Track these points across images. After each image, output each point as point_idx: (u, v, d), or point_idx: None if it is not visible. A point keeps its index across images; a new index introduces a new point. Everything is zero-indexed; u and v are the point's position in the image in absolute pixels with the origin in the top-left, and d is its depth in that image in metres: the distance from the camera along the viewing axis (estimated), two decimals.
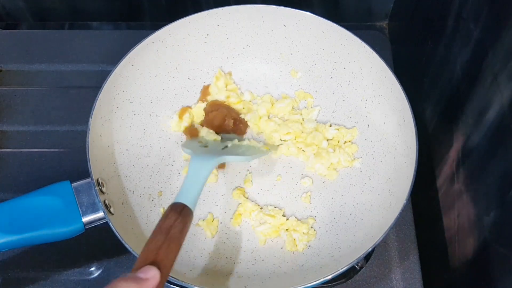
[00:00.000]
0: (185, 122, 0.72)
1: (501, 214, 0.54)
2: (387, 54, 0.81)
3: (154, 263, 0.45)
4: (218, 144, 0.69)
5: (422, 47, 0.76)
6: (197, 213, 0.67)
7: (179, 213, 0.51)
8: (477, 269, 0.59)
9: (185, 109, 0.73)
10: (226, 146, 0.68)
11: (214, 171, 0.69)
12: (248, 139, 0.71)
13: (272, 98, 0.75)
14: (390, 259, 0.66)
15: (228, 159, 0.65)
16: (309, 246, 0.65)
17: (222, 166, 0.71)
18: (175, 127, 0.72)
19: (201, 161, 0.61)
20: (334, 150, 0.70)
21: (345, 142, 0.71)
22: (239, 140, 0.70)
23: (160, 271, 0.45)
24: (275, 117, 0.74)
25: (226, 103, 0.74)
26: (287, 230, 0.66)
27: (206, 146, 0.68)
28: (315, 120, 0.73)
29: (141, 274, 0.44)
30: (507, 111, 0.52)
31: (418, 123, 0.62)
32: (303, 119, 0.73)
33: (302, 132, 0.72)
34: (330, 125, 0.72)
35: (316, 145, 0.70)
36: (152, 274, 0.44)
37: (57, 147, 0.75)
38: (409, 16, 0.83)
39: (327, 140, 0.71)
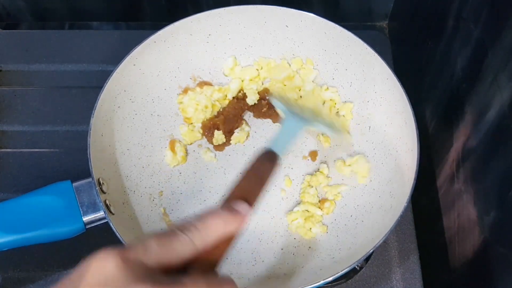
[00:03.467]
0: (180, 153, 0.71)
1: (501, 214, 0.54)
2: (387, 54, 0.80)
3: (244, 199, 0.47)
4: (308, 111, 0.69)
5: (422, 47, 0.76)
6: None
7: (272, 161, 0.53)
8: (477, 269, 0.59)
9: (173, 142, 0.72)
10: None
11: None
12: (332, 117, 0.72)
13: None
14: (390, 259, 0.66)
15: (318, 126, 0.65)
16: (309, 247, 0.65)
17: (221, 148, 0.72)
18: (173, 162, 0.71)
19: (296, 119, 0.61)
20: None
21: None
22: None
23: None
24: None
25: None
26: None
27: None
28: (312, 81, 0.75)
29: (235, 206, 0.45)
30: (507, 111, 0.52)
31: (418, 123, 0.62)
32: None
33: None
34: (327, 88, 0.74)
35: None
36: (245, 208, 0.46)
37: (57, 147, 0.75)
38: (409, 16, 0.83)
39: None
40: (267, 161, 0.52)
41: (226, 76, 0.76)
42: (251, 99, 0.73)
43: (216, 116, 0.74)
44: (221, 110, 0.74)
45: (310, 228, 0.65)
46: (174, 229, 0.41)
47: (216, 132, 0.72)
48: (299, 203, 0.68)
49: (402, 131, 0.65)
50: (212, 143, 0.72)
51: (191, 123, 0.73)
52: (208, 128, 0.73)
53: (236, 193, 0.48)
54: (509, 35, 0.51)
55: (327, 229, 0.66)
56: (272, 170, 0.52)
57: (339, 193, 0.68)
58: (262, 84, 0.76)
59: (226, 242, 0.44)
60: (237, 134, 0.72)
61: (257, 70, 0.75)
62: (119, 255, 0.37)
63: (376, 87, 0.69)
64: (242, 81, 0.75)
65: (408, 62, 0.81)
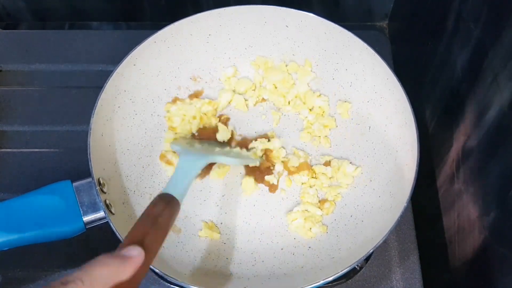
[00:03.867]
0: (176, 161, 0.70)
1: (501, 214, 0.54)
2: (387, 54, 0.81)
3: (139, 245, 0.45)
4: (209, 146, 0.69)
5: (422, 47, 0.76)
6: (196, 222, 0.67)
7: (167, 203, 0.52)
8: (477, 269, 0.59)
9: (163, 155, 0.71)
10: (216, 149, 0.69)
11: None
12: (239, 148, 0.71)
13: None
14: (390, 259, 0.66)
15: (218, 159, 0.66)
16: (309, 247, 0.65)
17: (206, 171, 0.70)
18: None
19: (192, 157, 0.61)
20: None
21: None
22: (230, 147, 0.71)
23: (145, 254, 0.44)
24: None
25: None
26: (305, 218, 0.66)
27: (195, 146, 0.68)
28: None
29: (125, 252, 0.43)
30: (507, 111, 0.52)
31: (418, 123, 0.62)
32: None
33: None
34: (319, 95, 0.74)
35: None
36: (136, 253, 0.43)
37: (57, 147, 0.75)
38: (409, 16, 0.83)
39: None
40: (163, 206, 0.51)
41: (220, 81, 0.76)
42: (222, 135, 0.72)
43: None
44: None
45: (310, 228, 0.65)
46: (56, 283, 0.39)
47: (219, 126, 0.72)
48: (299, 203, 0.68)
49: (402, 131, 0.65)
50: None
51: (176, 133, 0.72)
52: None
53: (129, 239, 0.46)
54: (509, 35, 0.51)
55: (327, 229, 0.66)
56: (170, 215, 0.51)
57: (338, 193, 0.68)
58: (258, 97, 0.75)
59: None
60: (216, 169, 0.70)
61: (253, 83, 0.75)
62: None
63: (376, 87, 0.69)
64: (234, 92, 0.75)
65: (408, 62, 0.81)
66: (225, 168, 0.70)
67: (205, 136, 0.72)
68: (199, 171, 0.61)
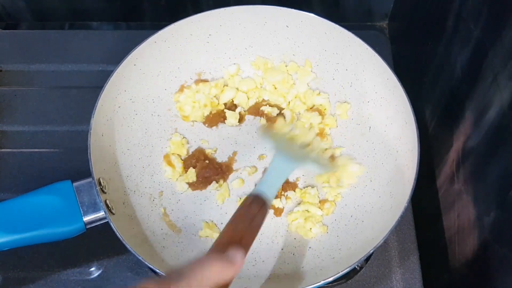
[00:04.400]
0: (178, 164, 0.70)
1: (501, 214, 0.54)
2: (387, 54, 0.81)
3: (237, 243, 0.46)
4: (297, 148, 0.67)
5: (422, 47, 0.76)
6: (196, 222, 0.67)
7: (261, 206, 0.53)
8: (477, 269, 0.59)
9: (167, 156, 0.71)
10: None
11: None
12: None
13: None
14: (390, 259, 0.66)
15: (308, 166, 0.66)
16: (310, 247, 0.65)
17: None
18: (174, 175, 0.70)
19: (286, 159, 0.61)
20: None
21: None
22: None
23: None
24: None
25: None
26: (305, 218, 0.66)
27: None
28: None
29: (232, 255, 0.44)
30: (507, 111, 0.52)
31: (418, 123, 0.62)
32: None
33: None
34: (319, 93, 0.74)
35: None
36: (240, 258, 0.44)
37: (57, 147, 0.75)
38: (409, 16, 0.83)
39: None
40: (257, 206, 0.52)
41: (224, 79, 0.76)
42: (230, 121, 0.72)
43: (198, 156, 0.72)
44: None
45: (311, 228, 0.65)
46: (174, 276, 0.41)
47: (190, 170, 0.70)
48: (299, 203, 0.68)
49: (402, 131, 0.65)
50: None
51: (189, 121, 0.73)
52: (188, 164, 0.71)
53: (227, 238, 0.47)
54: (509, 35, 0.51)
55: (327, 229, 0.66)
56: (263, 217, 0.52)
57: (339, 193, 0.68)
58: (258, 98, 0.75)
59: None
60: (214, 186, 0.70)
61: (255, 84, 0.75)
62: None
63: (377, 88, 0.69)
64: (237, 90, 0.75)
65: (408, 62, 0.82)
66: (226, 194, 0.69)
67: (214, 123, 0.73)
68: (289, 175, 0.60)
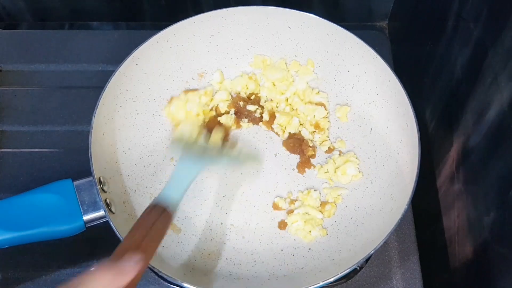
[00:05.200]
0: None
1: (501, 214, 0.54)
2: (387, 54, 0.81)
3: (136, 249, 0.46)
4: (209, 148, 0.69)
5: (422, 47, 0.76)
6: (196, 222, 0.68)
7: (161, 212, 0.53)
8: (477, 269, 0.59)
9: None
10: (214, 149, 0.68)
11: None
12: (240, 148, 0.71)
13: None
14: (390, 260, 0.66)
15: (215, 164, 0.66)
16: (309, 249, 0.65)
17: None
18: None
19: (189, 163, 0.61)
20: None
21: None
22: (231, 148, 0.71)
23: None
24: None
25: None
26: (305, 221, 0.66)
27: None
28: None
29: (123, 261, 0.43)
30: (507, 111, 0.52)
31: (418, 124, 0.62)
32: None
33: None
34: (318, 92, 0.74)
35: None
36: (133, 261, 0.43)
37: (57, 147, 0.74)
38: (409, 16, 0.83)
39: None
40: (157, 213, 0.52)
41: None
42: (224, 119, 0.73)
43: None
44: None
45: (310, 231, 0.65)
46: None
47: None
48: (300, 206, 0.68)
49: (403, 133, 0.65)
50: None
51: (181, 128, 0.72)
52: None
53: (125, 246, 0.46)
54: (509, 35, 0.51)
55: (326, 232, 0.66)
56: (163, 225, 0.52)
57: (339, 195, 0.68)
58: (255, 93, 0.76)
59: None
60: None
61: (245, 80, 0.75)
62: None
63: (378, 89, 0.69)
64: (229, 93, 0.75)
65: (408, 62, 0.82)
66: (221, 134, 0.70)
67: (212, 126, 0.73)
68: (195, 178, 0.60)
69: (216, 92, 0.75)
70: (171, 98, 0.73)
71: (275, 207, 0.68)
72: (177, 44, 0.72)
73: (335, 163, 0.70)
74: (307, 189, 0.69)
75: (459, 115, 0.63)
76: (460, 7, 0.62)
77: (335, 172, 0.69)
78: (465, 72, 0.62)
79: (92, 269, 0.42)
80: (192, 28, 0.72)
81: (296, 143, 0.71)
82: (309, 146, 0.71)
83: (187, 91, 0.74)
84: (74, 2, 0.90)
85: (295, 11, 0.71)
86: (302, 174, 0.70)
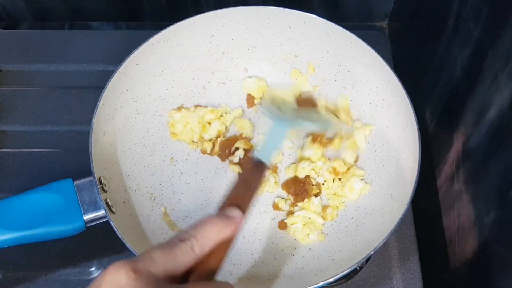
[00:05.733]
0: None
1: (501, 214, 0.54)
2: (387, 54, 0.81)
3: (237, 206, 0.50)
4: (294, 111, 0.69)
5: (422, 47, 0.76)
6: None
7: (258, 168, 0.55)
8: (477, 269, 0.59)
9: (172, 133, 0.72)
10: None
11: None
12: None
13: None
14: (390, 260, 0.66)
15: (304, 124, 0.67)
16: (309, 249, 0.65)
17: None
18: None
19: (280, 124, 0.62)
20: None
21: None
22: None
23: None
24: None
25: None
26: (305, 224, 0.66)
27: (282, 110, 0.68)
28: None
29: (229, 213, 0.48)
30: (507, 111, 0.52)
31: (418, 124, 0.62)
32: None
33: None
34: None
35: None
36: (237, 214, 0.48)
37: (57, 147, 0.75)
38: (409, 16, 0.83)
39: None
40: (254, 171, 0.55)
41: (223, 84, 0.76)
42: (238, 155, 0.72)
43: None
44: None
45: (308, 234, 0.65)
46: (174, 240, 0.44)
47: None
48: (301, 209, 0.68)
49: (403, 133, 0.65)
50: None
51: (177, 139, 0.72)
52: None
53: (228, 202, 0.50)
54: (509, 35, 0.51)
55: (325, 237, 0.65)
56: (259, 178, 0.55)
57: (342, 202, 0.68)
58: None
59: (223, 248, 0.47)
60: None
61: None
62: (130, 266, 0.40)
63: (379, 89, 0.69)
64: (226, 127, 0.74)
65: (408, 62, 0.82)
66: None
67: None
68: (286, 137, 0.63)
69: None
70: (180, 106, 0.73)
71: (275, 207, 0.68)
72: (177, 44, 0.72)
73: (339, 181, 0.69)
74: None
75: (459, 115, 0.63)
76: (460, 7, 0.62)
77: (342, 189, 0.68)
78: (465, 72, 0.62)
79: (204, 220, 0.46)
80: (193, 28, 0.72)
81: (297, 185, 0.69)
82: (313, 185, 0.69)
83: (197, 106, 0.74)
84: (74, 2, 0.90)
85: (295, 11, 0.71)
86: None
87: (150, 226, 0.64)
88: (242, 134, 0.73)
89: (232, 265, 0.64)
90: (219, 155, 0.72)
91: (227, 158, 0.72)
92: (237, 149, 0.71)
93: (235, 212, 0.49)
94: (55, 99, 0.79)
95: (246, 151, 0.71)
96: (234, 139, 0.72)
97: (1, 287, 0.65)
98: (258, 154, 0.56)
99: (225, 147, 0.72)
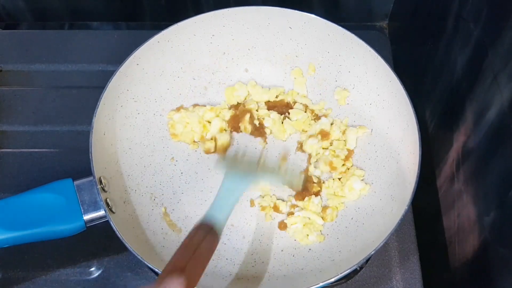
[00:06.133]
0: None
1: (501, 214, 0.54)
2: (387, 54, 0.81)
3: (180, 272, 0.46)
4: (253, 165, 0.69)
5: (422, 47, 0.76)
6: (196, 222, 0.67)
7: (207, 232, 0.52)
8: (477, 269, 0.59)
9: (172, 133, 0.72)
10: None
11: None
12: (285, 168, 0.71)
13: None
14: (390, 260, 0.66)
15: (261, 180, 0.66)
16: (309, 249, 0.65)
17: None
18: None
19: (236, 180, 0.61)
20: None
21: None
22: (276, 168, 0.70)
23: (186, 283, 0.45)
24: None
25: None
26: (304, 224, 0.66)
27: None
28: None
29: (167, 284, 0.44)
30: (507, 111, 0.52)
31: (418, 123, 0.62)
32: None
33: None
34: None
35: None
36: (175, 285, 0.44)
37: (57, 147, 0.75)
38: (409, 16, 0.83)
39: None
40: (203, 232, 0.52)
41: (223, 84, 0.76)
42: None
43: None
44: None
45: (307, 235, 0.65)
46: None
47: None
48: (301, 209, 0.68)
49: (404, 134, 0.65)
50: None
51: (178, 140, 0.72)
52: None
53: (171, 267, 0.47)
54: (509, 35, 0.51)
55: (324, 238, 0.65)
56: (210, 245, 0.52)
57: (342, 203, 0.68)
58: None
59: None
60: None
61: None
62: None
63: (379, 90, 0.69)
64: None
65: (408, 62, 0.82)
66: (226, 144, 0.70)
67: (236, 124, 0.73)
68: (241, 196, 0.60)
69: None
70: (180, 107, 0.73)
71: (276, 209, 0.68)
72: (178, 44, 0.72)
73: (339, 181, 0.69)
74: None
75: (459, 115, 0.63)
76: (460, 7, 0.62)
77: (342, 189, 0.68)
78: (465, 72, 0.62)
79: None
80: (193, 28, 0.72)
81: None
82: (314, 183, 0.69)
83: (195, 105, 0.74)
84: (74, 2, 0.90)
85: (296, 11, 0.71)
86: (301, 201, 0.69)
87: (150, 226, 0.64)
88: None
89: (232, 265, 0.64)
90: (232, 128, 0.73)
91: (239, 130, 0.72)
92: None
93: (174, 283, 0.44)
94: (55, 99, 0.79)
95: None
96: (245, 111, 0.72)
97: (1, 287, 0.65)
98: (208, 216, 0.54)
99: (236, 121, 0.73)
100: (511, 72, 0.51)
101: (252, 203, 0.68)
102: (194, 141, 0.72)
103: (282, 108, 0.74)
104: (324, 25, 0.71)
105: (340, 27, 0.70)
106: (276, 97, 0.75)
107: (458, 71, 0.63)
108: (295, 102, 0.75)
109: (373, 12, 0.91)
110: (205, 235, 0.52)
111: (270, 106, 0.75)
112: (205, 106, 0.74)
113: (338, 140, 0.71)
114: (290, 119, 0.73)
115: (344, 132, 0.71)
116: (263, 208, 0.67)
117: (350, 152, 0.70)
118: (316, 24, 0.71)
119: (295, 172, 0.70)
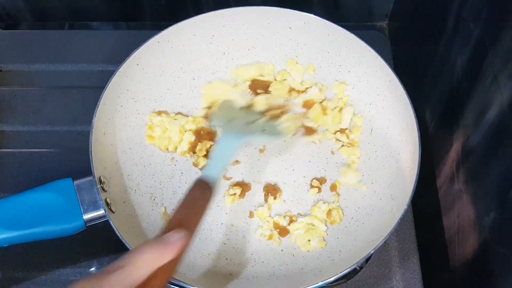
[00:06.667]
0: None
1: (501, 214, 0.54)
2: (387, 54, 0.81)
3: (181, 227, 0.48)
4: (248, 117, 0.69)
5: (422, 47, 0.76)
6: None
7: (204, 189, 0.55)
8: (477, 269, 0.59)
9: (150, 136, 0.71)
10: (255, 121, 0.69)
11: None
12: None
13: None
14: (390, 260, 0.66)
15: (254, 139, 0.67)
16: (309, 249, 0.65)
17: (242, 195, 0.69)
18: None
19: (230, 140, 0.62)
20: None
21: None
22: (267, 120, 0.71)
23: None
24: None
25: None
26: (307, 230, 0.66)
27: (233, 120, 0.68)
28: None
29: (167, 237, 0.47)
30: (507, 111, 0.52)
31: (418, 123, 0.62)
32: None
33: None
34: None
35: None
36: (176, 237, 0.47)
37: (57, 147, 0.75)
38: (409, 16, 0.83)
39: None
40: (200, 190, 0.55)
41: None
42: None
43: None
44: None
45: (309, 240, 0.65)
46: (105, 272, 0.42)
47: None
48: (306, 215, 0.67)
49: (404, 133, 0.65)
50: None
51: (152, 143, 0.71)
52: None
53: (171, 225, 0.49)
54: (509, 35, 0.51)
55: (325, 245, 0.65)
56: (206, 199, 0.54)
57: (344, 199, 0.68)
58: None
59: (164, 272, 0.46)
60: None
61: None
62: None
63: (379, 90, 0.69)
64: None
65: (408, 62, 0.82)
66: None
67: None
68: (234, 155, 0.63)
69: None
70: (163, 112, 0.72)
71: (276, 226, 0.67)
72: (178, 44, 0.72)
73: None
74: (315, 201, 0.68)
75: (459, 115, 0.63)
76: (460, 7, 0.62)
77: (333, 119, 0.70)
78: (465, 72, 0.62)
79: (139, 247, 0.45)
80: (193, 28, 0.72)
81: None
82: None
83: (179, 113, 0.73)
84: (74, 2, 0.90)
85: (295, 11, 0.71)
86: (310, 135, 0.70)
87: (150, 226, 0.64)
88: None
89: (232, 265, 0.64)
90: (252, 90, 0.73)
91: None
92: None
93: (175, 237, 0.47)
94: (55, 99, 0.79)
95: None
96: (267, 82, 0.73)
97: (1, 287, 0.65)
98: (205, 173, 0.56)
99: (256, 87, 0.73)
100: (511, 72, 0.51)
101: (251, 214, 0.68)
102: (167, 149, 0.71)
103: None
104: (324, 25, 0.71)
105: (340, 27, 0.70)
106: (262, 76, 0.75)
107: (458, 71, 0.63)
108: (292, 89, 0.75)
109: (373, 12, 0.91)
110: (202, 191, 0.55)
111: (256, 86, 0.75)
112: (187, 116, 0.73)
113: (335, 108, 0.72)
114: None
115: (341, 110, 0.72)
116: (269, 237, 0.66)
117: (342, 131, 0.71)
118: (316, 24, 0.71)
119: (289, 116, 0.71)
